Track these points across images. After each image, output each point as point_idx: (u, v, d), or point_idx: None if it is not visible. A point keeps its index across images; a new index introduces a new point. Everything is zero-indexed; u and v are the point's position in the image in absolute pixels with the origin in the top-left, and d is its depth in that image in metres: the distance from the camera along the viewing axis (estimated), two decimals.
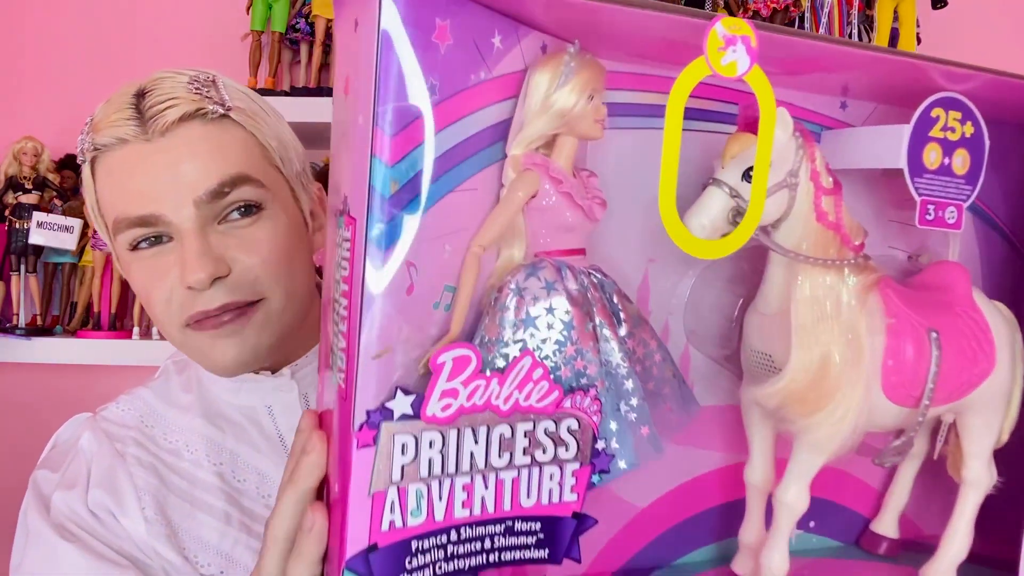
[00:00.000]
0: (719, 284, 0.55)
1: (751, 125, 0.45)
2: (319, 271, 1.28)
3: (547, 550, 0.41)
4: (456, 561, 0.39)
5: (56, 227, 1.40)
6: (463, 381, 0.37)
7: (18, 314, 1.42)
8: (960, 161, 0.53)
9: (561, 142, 0.42)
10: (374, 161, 0.34)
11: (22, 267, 1.44)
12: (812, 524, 0.63)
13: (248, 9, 1.41)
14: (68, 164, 1.50)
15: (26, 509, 0.71)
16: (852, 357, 0.48)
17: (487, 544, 0.39)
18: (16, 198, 1.42)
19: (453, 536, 0.38)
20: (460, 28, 0.36)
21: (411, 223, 0.36)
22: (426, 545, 0.38)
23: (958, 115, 0.53)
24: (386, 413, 0.36)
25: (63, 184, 1.48)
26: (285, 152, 0.70)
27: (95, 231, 1.42)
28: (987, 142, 0.53)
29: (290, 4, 1.42)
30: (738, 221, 0.44)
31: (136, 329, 1.45)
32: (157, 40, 1.55)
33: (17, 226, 1.42)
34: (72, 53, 1.56)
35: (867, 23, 1.34)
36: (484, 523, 0.39)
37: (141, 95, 0.65)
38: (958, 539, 0.56)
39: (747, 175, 0.45)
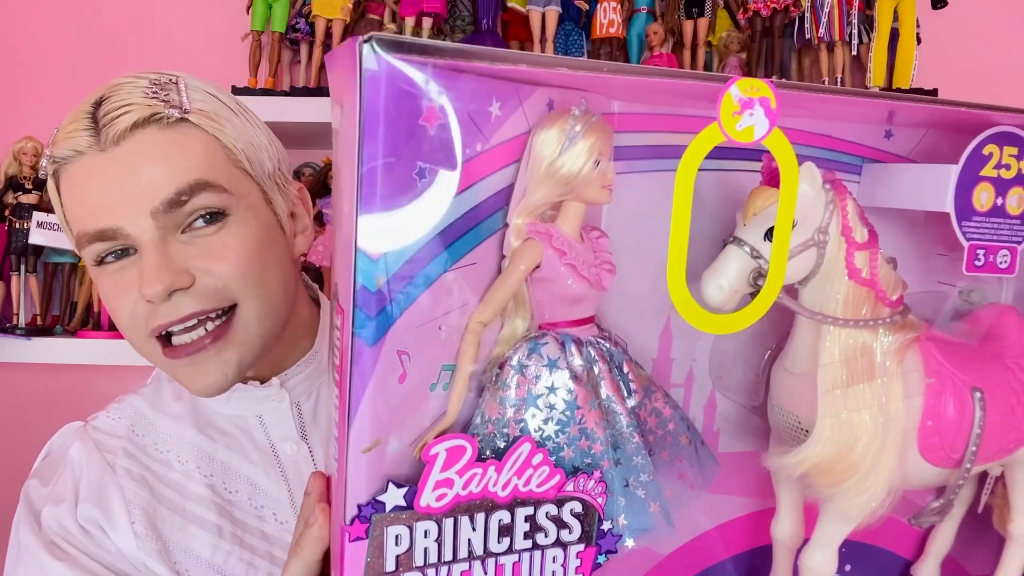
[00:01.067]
0: (744, 333, 0.52)
1: (775, 178, 0.42)
2: (307, 270, 1.25)
3: None
4: None
5: (56, 227, 1.37)
6: (458, 471, 0.36)
7: (18, 314, 1.41)
8: (1016, 201, 0.49)
9: (567, 207, 0.40)
10: (359, 255, 0.33)
11: (22, 267, 1.42)
12: (848, 568, 0.61)
13: (248, 9, 1.41)
14: None
15: (18, 522, 0.70)
16: (885, 423, 0.45)
17: None
18: (16, 198, 1.40)
19: None
20: (451, 104, 0.34)
21: (403, 311, 0.35)
22: None
23: (1014, 151, 0.48)
24: (378, 506, 0.35)
25: None
26: (254, 153, 0.68)
27: None
28: None
29: (290, 4, 1.42)
30: (759, 284, 0.42)
31: None
32: (157, 40, 1.55)
33: (17, 226, 1.40)
34: (72, 53, 1.56)
35: (867, 23, 1.33)
36: None
37: (99, 104, 0.63)
38: None
39: (770, 234, 0.42)
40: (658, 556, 0.55)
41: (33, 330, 1.41)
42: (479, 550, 0.37)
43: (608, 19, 1.32)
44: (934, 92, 1.32)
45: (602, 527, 0.40)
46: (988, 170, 0.48)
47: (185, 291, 0.61)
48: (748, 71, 1.37)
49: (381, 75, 0.32)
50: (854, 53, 1.35)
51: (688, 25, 1.37)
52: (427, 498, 0.36)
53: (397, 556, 0.36)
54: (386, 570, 0.36)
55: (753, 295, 0.42)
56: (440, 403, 0.38)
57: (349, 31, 1.43)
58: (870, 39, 1.34)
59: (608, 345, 0.42)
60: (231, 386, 0.66)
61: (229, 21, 1.46)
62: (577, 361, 0.39)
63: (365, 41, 0.31)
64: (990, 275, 0.49)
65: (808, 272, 0.44)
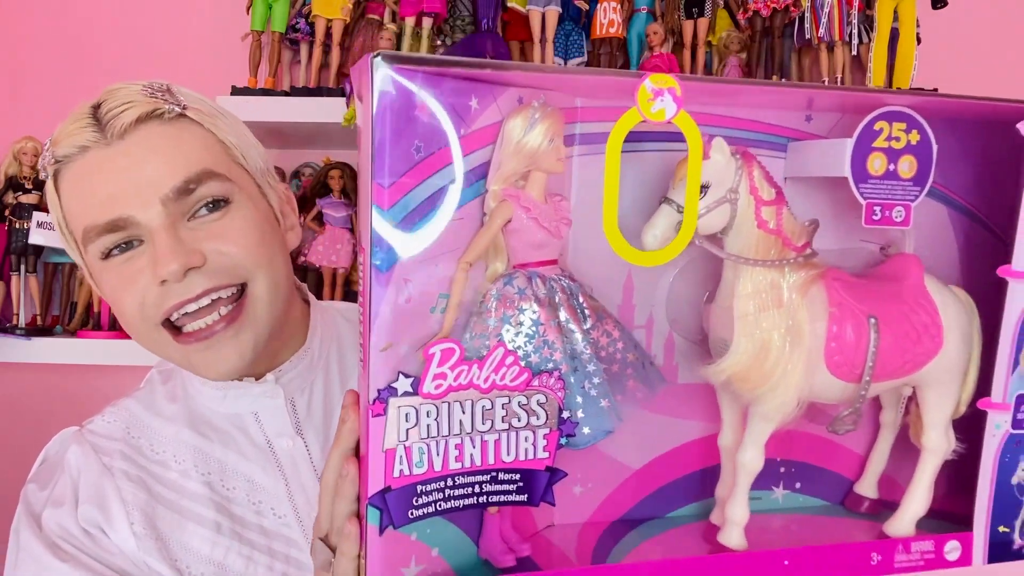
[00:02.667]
0: (693, 279, 0.65)
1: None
2: (306, 271, 1.21)
3: (526, 495, 0.53)
4: (452, 501, 0.51)
5: (56, 227, 1.43)
6: (450, 367, 0.49)
7: (18, 314, 1.40)
8: (907, 166, 0.60)
9: (533, 176, 0.53)
10: (374, 208, 0.46)
11: (22, 267, 1.41)
12: (798, 486, 0.72)
13: (248, 9, 1.39)
14: None
15: (17, 526, 0.71)
16: (793, 341, 0.57)
17: (476, 489, 0.52)
18: (16, 198, 1.39)
19: (449, 482, 0.51)
20: (439, 100, 0.48)
21: (405, 251, 0.48)
22: (428, 488, 0.50)
23: (902, 125, 0.60)
24: (392, 391, 0.48)
25: None
26: (247, 150, 0.70)
27: None
28: (934, 146, 0.60)
29: (290, 4, 1.40)
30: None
31: None
32: (157, 40, 1.54)
33: (17, 226, 1.38)
34: (72, 53, 1.55)
35: (867, 23, 1.33)
36: (473, 473, 0.51)
37: (97, 107, 0.65)
38: (917, 499, 0.64)
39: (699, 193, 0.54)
40: (629, 470, 0.67)
41: (33, 330, 1.40)
42: (468, 428, 0.51)
43: (608, 19, 1.31)
44: (934, 92, 1.30)
45: (562, 415, 0.52)
46: (880, 142, 0.59)
47: (198, 270, 0.63)
48: (748, 71, 1.38)
49: (387, 80, 0.46)
50: (854, 53, 1.35)
51: (688, 25, 1.36)
52: (428, 386, 0.49)
53: (407, 429, 0.49)
54: (400, 439, 0.49)
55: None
56: (437, 322, 0.51)
57: (349, 31, 1.42)
58: (870, 39, 1.34)
59: (567, 281, 0.55)
60: (247, 368, 0.68)
61: (229, 21, 1.45)
62: (541, 290, 0.52)
63: (374, 56, 0.45)
64: (889, 227, 0.61)
65: (725, 224, 0.56)
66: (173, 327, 0.65)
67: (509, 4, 1.35)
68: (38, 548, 0.67)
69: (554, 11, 1.31)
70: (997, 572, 0.66)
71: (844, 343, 0.58)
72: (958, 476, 0.66)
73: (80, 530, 0.69)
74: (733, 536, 0.61)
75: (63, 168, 0.65)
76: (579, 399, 0.53)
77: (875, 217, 0.60)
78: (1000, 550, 0.64)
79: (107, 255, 0.65)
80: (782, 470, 0.71)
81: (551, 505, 0.54)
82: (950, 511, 0.65)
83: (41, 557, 0.67)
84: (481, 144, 0.52)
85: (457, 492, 0.51)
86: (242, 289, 0.66)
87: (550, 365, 0.52)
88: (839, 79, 1.35)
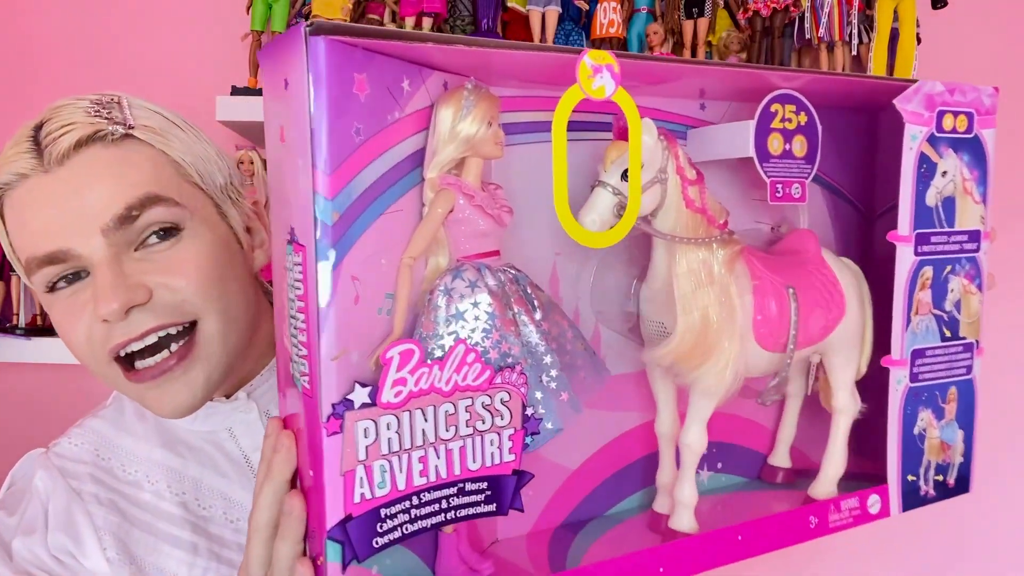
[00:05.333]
0: (617, 269, 0.64)
1: (624, 133, 0.54)
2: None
3: (495, 504, 0.49)
4: (419, 521, 0.46)
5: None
6: (410, 370, 0.44)
7: (18, 314, 1.40)
8: (799, 145, 0.64)
9: (469, 163, 0.50)
10: (317, 197, 0.41)
11: None
12: (720, 465, 0.74)
13: (248, 9, 1.37)
14: None
15: None
16: (727, 315, 0.58)
17: (444, 504, 0.47)
18: None
19: (415, 501, 0.46)
20: (374, 79, 0.44)
21: (352, 244, 0.43)
22: (393, 511, 0.45)
23: (792, 107, 0.63)
24: (348, 404, 0.43)
25: None
26: (204, 166, 0.66)
27: None
28: (819, 127, 0.64)
29: (290, 4, 1.38)
30: (622, 214, 0.54)
31: None
32: (157, 40, 1.53)
33: None
34: (72, 53, 1.53)
35: (867, 23, 1.32)
36: (439, 487, 0.47)
37: (39, 127, 0.62)
38: (835, 458, 0.67)
39: (625, 175, 0.54)
40: (567, 471, 0.65)
41: (33, 330, 1.40)
42: (431, 437, 0.46)
43: (608, 19, 1.29)
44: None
45: (526, 412, 0.49)
46: (776, 123, 0.62)
47: (143, 307, 0.59)
48: None
49: (321, 55, 0.41)
50: (854, 53, 1.33)
51: (688, 25, 1.35)
52: (387, 395, 0.44)
53: (366, 447, 0.44)
54: (359, 459, 0.44)
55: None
56: (386, 325, 0.47)
57: None
58: (870, 39, 1.32)
59: (514, 271, 0.52)
60: (201, 405, 0.65)
61: (229, 21, 1.44)
62: (492, 281, 0.49)
63: (308, 27, 0.40)
64: (788, 203, 0.64)
65: (657, 204, 0.56)
66: (125, 362, 0.62)
67: (509, 4, 1.33)
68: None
69: (554, 11, 1.29)
70: (912, 521, 0.71)
71: (769, 315, 0.60)
72: (866, 436, 0.71)
73: (52, 559, 0.67)
74: (684, 519, 0.60)
75: (5, 195, 0.62)
76: (539, 394, 0.50)
77: (778, 194, 0.63)
78: (911, 499, 0.69)
79: (52, 288, 0.61)
80: (704, 452, 0.72)
81: (520, 512, 0.50)
82: (865, 472, 0.69)
83: None
84: (415, 129, 0.48)
85: (424, 511, 0.46)
86: (193, 324, 0.62)
87: (510, 360, 0.48)
88: None
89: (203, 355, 0.62)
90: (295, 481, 0.48)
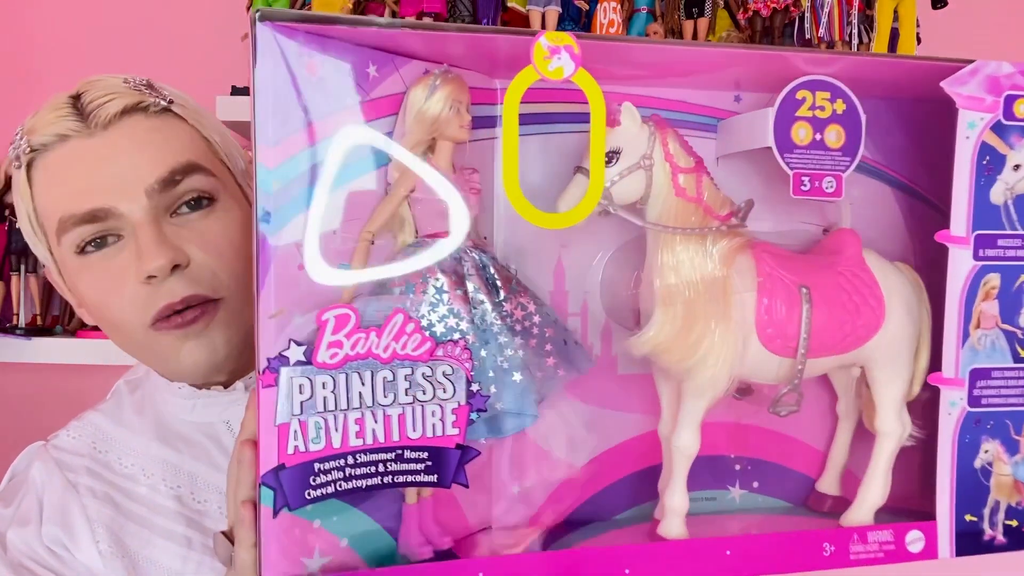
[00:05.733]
0: (627, 265, 0.62)
1: (615, 120, 0.53)
2: None
3: (436, 475, 0.50)
4: (354, 481, 0.48)
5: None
6: (346, 335, 0.47)
7: (18, 314, 1.37)
8: (834, 136, 0.58)
9: (439, 146, 0.52)
10: (259, 166, 0.45)
11: (22, 267, 1.38)
12: (756, 485, 0.68)
13: (248, 9, 1.34)
14: None
15: None
16: (719, 312, 0.54)
17: (380, 468, 0.49)
18: None
19: (350, 460, 0.48)
20: (330, 62, 0.47)
21: (296, 214, 0.47)
22: (327, 467, 0.48)
23: (826, 95, 0.58)
24: (283, 360, 0.46)
25: None
26: (229, 148, 0.69)
27: None
28: (863, 116, 0.58)
29: (290, 4, 1.33)
30: (602, 202, 0.53)
31: None
32: (157, 40, 1.52)
33: (17, 226, 1.22)
34: (72, 53, 1.52)
35: (867, 23, 1.32)
36: (376, 451, 0.48)
37: (77, 96, 0.64)
38: (875, 487, 0.60)
39: (609, 160, 0.53)
40: (571, 468, 0.64)
41: (33, 330, 1.37)
42: (369, 401, 0.48)
43: (608, 19, 1.28)
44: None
45: (471, 388, 0.50)
46: (804, 111, 0.58)
47: (182, 273, 0.62)
48: None
49: (271, 38, 0.45)
50: None
51: (688, 25, 1.34)
52: (323, 355, 0.47)
53: (301, 402, 0.47)
54: (293, 413, 0.47)
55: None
56: (338, 292, 0.50)
57: None
58: (870, 39, 1.31)
59: (479, 252, 0.53)
60: (213, 368, 0.66)
61: (229, 21, 1.41)
62: (447, 259, 0.51)
63: (255, 12, 0.44)
64: (820, 198, 0.59)
65: (642, 192, 0.54)
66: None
67: (509, 4, 1.33)
68: (2, 571, 0.66)
69: (554, 11, 1.30)
70: (969, 566, 0.61)
71: (775, 314, 0.55)
72: (922, 467, 0.63)
73: (46, 550, 0.67)
74: (672, 527, 0.57)
75: (39, 157, 0.63)
76: (491, 373, 0.51)
77: (804, 188, 0.58)
78: (969, 541, 0.59)
79: (82, 249, 0.63)
80: (737, 468, 0.67)
81: (464, 487, 0.51)
82: (917, 508, 0.61)
83: None
84: (382, 113, 0.51)
85: (359, 471, 0.48)
86: (219, 300, 0.65)
87: (455, 335, 0.49)
88: None
89: (223, 321, 0.65)
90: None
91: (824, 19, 1.26)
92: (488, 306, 0.51)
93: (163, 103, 0.65)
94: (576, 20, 1.36)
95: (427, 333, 0.49)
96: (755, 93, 0.65)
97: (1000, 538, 0.59)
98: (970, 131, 0.57)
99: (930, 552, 0.58)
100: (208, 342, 0.64)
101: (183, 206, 0.64)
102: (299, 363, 0.46)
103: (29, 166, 0.64)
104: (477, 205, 0.53)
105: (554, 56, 0.49)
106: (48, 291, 1.42)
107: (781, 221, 0.65)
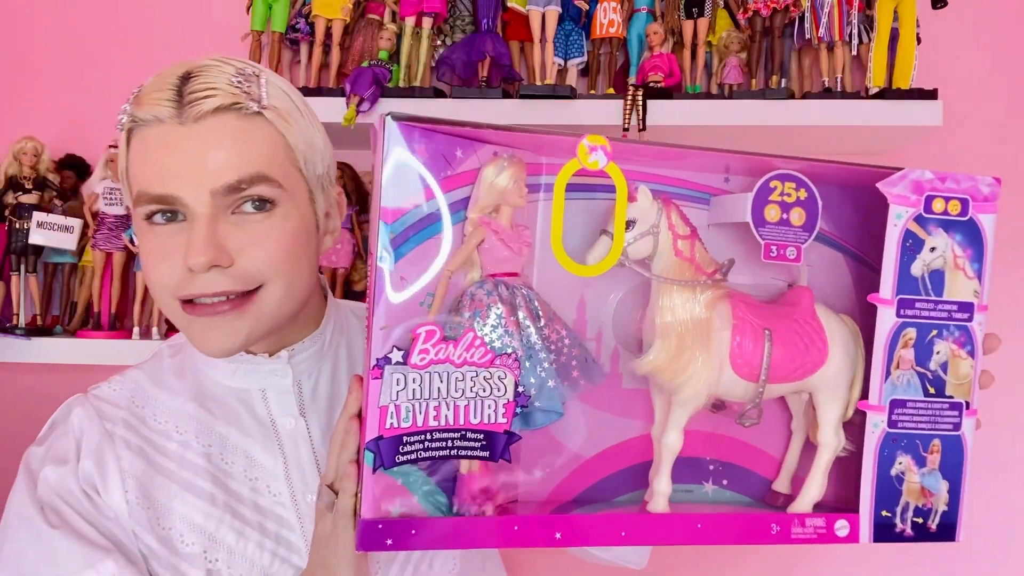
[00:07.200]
0: (634, 305, 0.81)
1: (632, 197, 0.72)
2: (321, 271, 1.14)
3: (488, 452, 0.68)
4: (429, 452, 0.66)
5: (56, 227, 1.37)
6: (433, 345, 0.65)
7: (18, 314, 1.39)
8: (797, 216, 0.77)
9: (503, 209, 0.71)
10: (380, 223, 0.64)
11: (22, 267, 1.40)
12: (725, 482, 0.86)
13: (248, 9, 1.40)
14: (68, 164, 1.48)
15: (16, 487, 0.72)
16: (703, 345, 0.73)
17: (449, 444, 0.67)
18: (16, 198, 1.39)
19: (428, 436, 0.66)
20: (432, 148, 0.66)
21: (403, 256, 0.65)
22: (411, 440, 0.66)
23: (792, 185, 0.77)
24: (387, 360, 0.64)
25: (63, 184, 1.45)
26: (311, 154, 0.72)
27: (95, 231, 1.42)
28: (819, 202, 0.77)
29: (290, 4, 1.40)
30: (620, 258, 0.71)
31: (136, 329, 1.42)
32: (157, 40, 1.55)
33: (17, 226, 1.38)
34: (72, 53, 1.55)
35: (867, 23, 1.33)
36: (446, 431, 0.67)
37: (186, 78, 0.67)
38: (814, 485, 0.78)
39: (628, 227, 0.72)
40: (582, 458, 0.82)
41: (33, 330, 1.40)
42: (444, 394, 0.66)
43: (608, 19, 1.32)
44: (934, 92, 1.33)
45: (518, 389, 0.68)
46: (775, 196, 0.77)
47: (222, 269, 0.66)
48: (748, 71, 1.40)
49: (396, 131, 0.64)
50: (854, 53, 1.36)
51: (688, 25, 1.36)
52: (415, 358, 0.65)
53: (397, 391, 0.65)
54: (391, 399, 0.65)
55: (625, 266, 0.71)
56: (425, 312, 0.68)
57: (349, 31, 1.43)
58: (870, 39, 1.34)
59: (526, 289, 0.71)
60: (236, 353, 0.71)
61: (229, 21, 1.46)
62: (504, 293, 0.69)
63: (386, 115, 0.63)
64: (784, 263, 0.77)
65: (650, 251, 0.73)
66: (185, 300, 0.70)
67: (509, 4, 1.35)
68: (30, 511, 0.69)
69: (554, 11, 1.30)
70: (885, 552, 0.78)
71: (744, 348, 0.74)
72: (851, 472, 0.81)
73: (80, 491, 0.71)
74: (659, 505, 0.75)
75: (137, 129, 0.68)
76: (532, 379, 0.69)
77: (772, 254, 0.77)
78: (885, 531, 0.77)
79: (150, 218, 0.68)
80: (711, 468, 0.85)
81: (508, 462, 0.69)
82: (845, 504, 0.79)
83: (33, 520, 0.68)
84: (463, 184, 0.70)
85: (434, 445, 0.66)
86: (256, 288, 0.70)
87: (509, 350, 0.68)
88: (839, 79, 1.37)
89: (255, 313, 0.69)
90: (360, 413, 0.70)
91: (824, 19, 1.30)
92: (532, 330, 0.70)
93: (256, 107, 0.68)
94: (576, 20, 1.39)
95: (488, 347, 0.67)
96: (740, 176, 0.84)
97: (908, 531, 0.77)
98: (897, 220, 0.75)
99: (853, 537, 0.76)
100: (233, 331, 0.69)
101: (246, 204, 0.68)
102: (398, 363, 0.65)
103: (130, 132, 0.69)
104: (527, 254, 0.72)
105: (592, 153, 0.67)
106: (48, 291, 1.46)
107: (755, 277, 0.83)
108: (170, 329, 1.49)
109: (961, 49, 1.51)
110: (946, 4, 1.31)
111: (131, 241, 1.42)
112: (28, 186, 1.40)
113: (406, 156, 0.64)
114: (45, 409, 1.38)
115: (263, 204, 0.69)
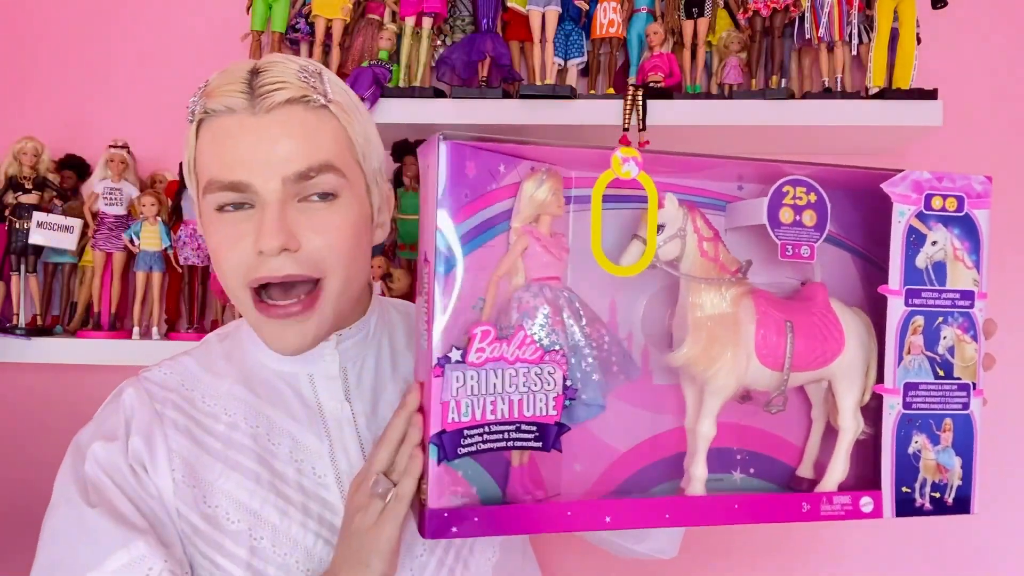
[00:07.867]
0: (662, 306, 0.87)
1: (661, 205, 0.79)
2: None
3: (541, 443, 0.73)
4: (488, 444, 0.71)
5: (56, 227, 1.37)
6: (488, 343, 0.71)
7: (18, 314, 1.39)
8: (808, 217, 0.84)
9: (542, 219, 0.77)
10: (438, 231, 0.70)
11: (22, 267, 1.40)
12: (752, 471, 0.92)
13: (248, 9, 1.40)
14: (68, 164, 1.47)
15: (63, 466, 0.73)
16: (732, 338, 0.79)
17: (505, 436, 0.72)
18: (16, 198, 1.39)
19: (487, 429, 0.71)
20: (479, 164, 0.72)
21: (456, 264, 0.71)
22: (472, 433, 0.71)
23: (803, 189, 0.84)
24: (447, 359, 0.70)
25: (63, 184, 1.45)
26: (368, 148, 0.76)
27: (95, 231, 1.43)
28: (829, 204, 0.84)
29: (290, 4, 1.40)
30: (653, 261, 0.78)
31: (136, 329, 1.43)
32: (157, 40, 1.55)
33: (17, 226, 1.38)
34: (72, 53, 1.55)
35: (867, 23, 1.33)
36: (503, 424, 0.72)
37: (255, 72, 0.69)
38: (837, 467, 0.84)
39: (658, 231, 0.78)
40: (618, 452, 0.87)
41: (33, 330, 1.40)
42: (500, 389, 0.72)
43: (608, 19, 1.31)
44: (934, 92, 1.33)
45: (566, 383, 0.73)
46: (788, 200, 0.83)
47: (290, 253, 0.69)
48: (748, 71, 1.40)
49: (448, 149, 0.70)
50: (854, 53, 1.36)
51: (688, 25, 1.36)
52: (472, 356, 0.70)
53: (457, 388, 0.70)
54: (452, 395, 0.70)
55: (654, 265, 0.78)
56: (477, 314, 0.73)
57: (349, 31, 1.43)
58: (870, 39, 1.34)
59: (568, 292, 0.77)
60: (308, 350, 0.74)
61: (229, 21, 1.46)
62: (550, 295, 0.75)
63: (442, 136, 0.69)
64: (799, 260, 0.84)
65: (679, 253, 0.79)
66: (256, 292, 0.72)
67: (509, 4, 1.34)
68: (72, 489, 0.71)
69: (554, 11, 1.29)
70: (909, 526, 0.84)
71: (768, 340, 0.80)
72: (871, 453, 0.86)
73: (128, 468, 0.72)
74: (696, 489, 0.80)
75: (207, 120, 0.71)
76: (578, 374, 0.75)
77: (788, 253, 0.83)
78: (906, 507, 0.83)
79: (221, 208, 0.71)
80: (739, 457, 0.91)
81: (559, 452, 0.74)
82: (868, 482, 0.85)
83: (73, 498, 0.70)
84: (506, 196, 0.76)
85: (492, 437, 0.72)
86: (317, 282, 0.73)
87: (556, 347, 0.73)
88: (839, 79, 1.37)
89: (320, 309, 0.72)
90: (420, 410, 0.74)
91: (824, 19, 1.29)
92: (576, 329, 0.75)
93: (322, 100, 0.71)
94: (576, 20, 1.39)
95: (538, 345, 0.73)
96: (752, 184, 0.91)
97: (928, 505, 0.83)
98: (901, 218, 0.82)
99: (877, 513, 0.82)
100: (303, 331, 0.72)
101: (314, 195, 0.71)
102: (457, 362, 0.70)
103: (200, 123, 0.72)
104: (566, 259, 0.78)
105: (624, 164, 0.74)
106: (48, 291, 1.44)
107: (770, 277, 0.90)
108: (170, 330, 1.50)
109: (961, 49, 1.50)
110: (946, 4, 1.31)
111: (131, 241, 1.42)
112: (28, 186, 1.40)
113: (457, 172, 0.70)
114: (45, 409, 1.43)
115: (327, 195, 0.72)
